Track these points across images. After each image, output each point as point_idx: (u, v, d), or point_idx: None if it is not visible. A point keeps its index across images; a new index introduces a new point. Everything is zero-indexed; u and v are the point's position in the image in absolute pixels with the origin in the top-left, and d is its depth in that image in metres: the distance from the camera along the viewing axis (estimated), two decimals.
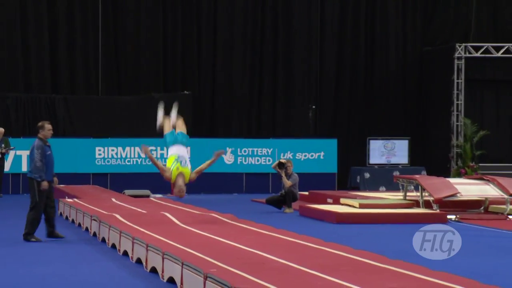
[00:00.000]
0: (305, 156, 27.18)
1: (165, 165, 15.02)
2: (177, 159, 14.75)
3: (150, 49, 29.13)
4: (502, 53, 28.27)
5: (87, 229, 16.44)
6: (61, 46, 28.60)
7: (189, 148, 15.91)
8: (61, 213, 19.77)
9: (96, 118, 27.41)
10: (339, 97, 30.07)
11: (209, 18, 29.56)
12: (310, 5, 29.85)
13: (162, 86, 28.98)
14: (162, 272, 10.85)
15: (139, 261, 12.12)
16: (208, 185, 26.40)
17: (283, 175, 20.97)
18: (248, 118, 29.43)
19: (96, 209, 17.16)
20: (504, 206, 19.31)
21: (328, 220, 18.47)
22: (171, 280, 10.44)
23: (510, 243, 15.28)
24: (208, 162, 14.83)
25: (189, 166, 14.81)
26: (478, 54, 28.32)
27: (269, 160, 26.77)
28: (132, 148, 26.68)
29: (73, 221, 18.10)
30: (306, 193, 23.14)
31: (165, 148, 16.09)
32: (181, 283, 9.98)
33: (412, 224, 17.77)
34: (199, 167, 14.80)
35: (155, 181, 25.76)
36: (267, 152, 27.37)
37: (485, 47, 28.32)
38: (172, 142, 15.14)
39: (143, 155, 13.89)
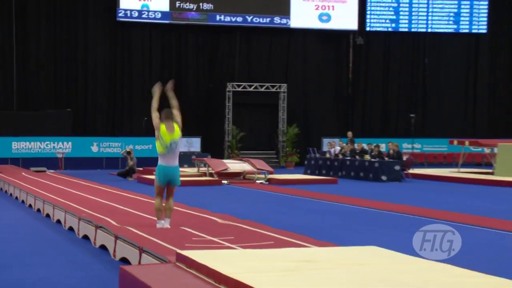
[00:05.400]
0: (141, 147, 26.77)
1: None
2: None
3: (47, 76, 27.49)
4: (253, 89, 28.90)
5: (6, 191, 15.64)
6: None
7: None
8: None
9: (12, 124, 26.01)
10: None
11: (86, 54, 27.88)
12: (143, 63, 29.24)
13: (54, 103, 27.59)
14: (53, 216, 10.55)
15: (38, 210, 11.68)
16: (82, 164, 25.71)
17: (129, 158, 20.67)
18: (107, 123, 28.49)
19: (12, 179, 16.34)
20: (253, 175, 19.79)
21: (154, 184, 18.26)
22: (58, 221, 10.14)
23: (256, 196, 15.71)
24: (172, 99, 8.86)
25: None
26: (239, 89, 28.79)
27: (119, 149, 26.18)
28: (34, 143, 25.50)
29: None
30: (141, 168, 22.81)
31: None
32: (65, 223, 9.75)
33: (203, 186, 17.97)
34: (173, 104, 8.97)
35: (50, 162, 24.82)
36: (118, 144, 26.74)
37: (243, 85, 28.83)
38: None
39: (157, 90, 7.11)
